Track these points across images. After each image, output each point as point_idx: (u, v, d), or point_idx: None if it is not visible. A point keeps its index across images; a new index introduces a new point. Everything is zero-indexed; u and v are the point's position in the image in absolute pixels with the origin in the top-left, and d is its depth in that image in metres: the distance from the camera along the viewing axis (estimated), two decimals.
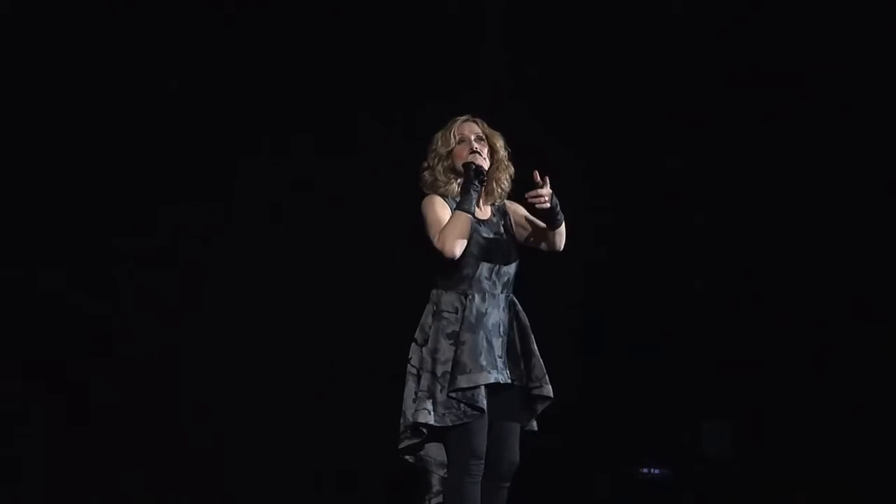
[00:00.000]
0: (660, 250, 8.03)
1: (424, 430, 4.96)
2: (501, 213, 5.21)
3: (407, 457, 5.05)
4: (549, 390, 5.08)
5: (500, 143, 5.19)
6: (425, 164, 5.18)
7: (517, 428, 5.10)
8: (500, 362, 4.99)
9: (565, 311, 7.67)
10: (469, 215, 4.99)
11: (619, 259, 7.98)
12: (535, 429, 5.16)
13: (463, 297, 5.01)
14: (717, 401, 7.96)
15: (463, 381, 4.91)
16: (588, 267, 7.68)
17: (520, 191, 5.12)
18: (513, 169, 5.20)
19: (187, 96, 7.55)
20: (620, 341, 7.99)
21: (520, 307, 5.14)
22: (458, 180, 5.12)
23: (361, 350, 7.53)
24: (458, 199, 5.07)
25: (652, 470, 7.91)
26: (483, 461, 4.96)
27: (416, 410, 4.93)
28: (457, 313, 4.99)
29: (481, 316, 5.00)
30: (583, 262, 7.28)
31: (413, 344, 5.06)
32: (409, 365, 5.04)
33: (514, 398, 5.08)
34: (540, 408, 5.13)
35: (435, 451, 5.04)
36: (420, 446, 5.01)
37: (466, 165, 5.07)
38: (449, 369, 4.93)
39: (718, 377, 7.92)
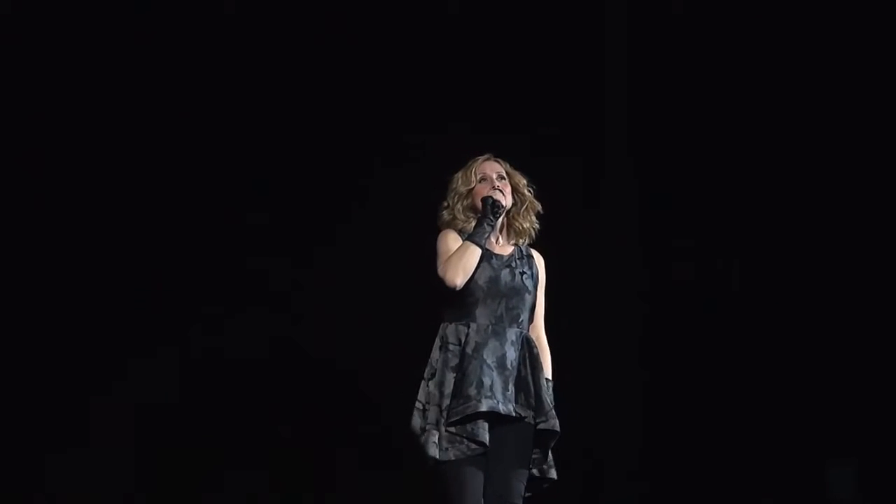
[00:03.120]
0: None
1: (432, 464, 4.90)
2: (526, 256, 5.16)
3: None
4: (554, 424, 4.97)
5: (522, 182, 5.16)
6: (445, 204, 5.15)
7: (523, 472, 4.97)
8: (501, 394, 4.91)
9: (676, 349, 7.55)
10: (478, 247, 4.96)
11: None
12: (555, 477, 5.03)
13: (465, 328, 4.97)
14: (839, 439, 7.64)
15: (457, 413, 4.87)
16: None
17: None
18: (539, 206, 5.17)
19: None
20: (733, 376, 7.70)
21: (535, 345, 5.07)
22: None
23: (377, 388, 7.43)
24: None
25: None
26: None
27: (425, 443, 4.88)
28: (459, 345, 4.95)
29: (480, 347, 4.93)
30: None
31: (422, 380, 4.99)
32: (416, 401, 4.98)
33: (524, 436, 4.97)
34: (550, 444, 5.01)
35: None
36: None
37: (484, 199, 5.04)
38: (449, 402, 4.89)
39: (841, 413, 7.59)
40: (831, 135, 7.60)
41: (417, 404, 4.94)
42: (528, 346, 5.02)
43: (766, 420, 7.56)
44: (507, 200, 5.06)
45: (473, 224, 5.03)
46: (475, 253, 4.94)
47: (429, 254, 5.07)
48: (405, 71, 7.70)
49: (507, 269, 5.03)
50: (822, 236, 7.57)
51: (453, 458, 4.84)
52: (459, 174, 5.12)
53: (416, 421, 4.92)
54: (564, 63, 7.76)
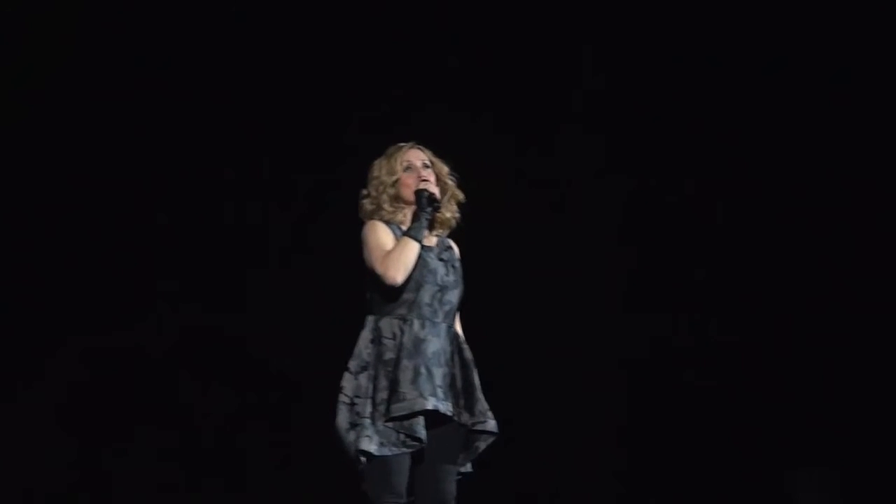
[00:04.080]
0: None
1: (364, 459, 4.76)
2: (448, 247, 5.05)
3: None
4: (493, 425, 4.87)
5: (445, 171, 5.04)
6: (365, 192, 5.03)
7: (454, 470, 4.88)
8: (440, 391, 4.81)
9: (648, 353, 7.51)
10: (417, 242, 4.84)
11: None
12: (471, 470, 4.95)
13: (402, 323, 4.84)
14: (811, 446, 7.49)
15: (399, 409, 4.75)
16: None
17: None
18: (461, 196, 5.04)
19: None
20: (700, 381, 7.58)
21: (463, 340, 4.97)
22: (405, 209, 4.97)
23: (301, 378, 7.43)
24: (403, 227, 4.92)
25: None
26: (403, 499, 4.78)
27: (358, 437, 4.75)
28: (395, 339, 4.82)
29: (419, 342, 4.82)
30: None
31: (346, 373, 4.86)
32: (341, 394, 4.84)
33: (453, 436, 4.87)
34: (483, 445, 4.91)
35: None
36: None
37: (419, 192, 4.91)
38: (386, 397, 4.76)
39: (811, 418, 7.45)
40: (828, 132, 7.54)
41: (343, 398, 4.81)
42: (456, 343, 4.93)
43: (738, 427, 7.44)
44: (438, 191, 4.94)
45: (399, 214, 4.94)
46: (414, 249, 4.82)
47: (352, 244, 4.96)
48: (401, 70, 7.63)
49: (442, 263, 4.93)
50: (816, 241, 7.47)
51: (389, 454, 4.74)
52: (381, 162, 5.00)
53: (343, 415, 4.79)
54: (563, 63, 7.68)
